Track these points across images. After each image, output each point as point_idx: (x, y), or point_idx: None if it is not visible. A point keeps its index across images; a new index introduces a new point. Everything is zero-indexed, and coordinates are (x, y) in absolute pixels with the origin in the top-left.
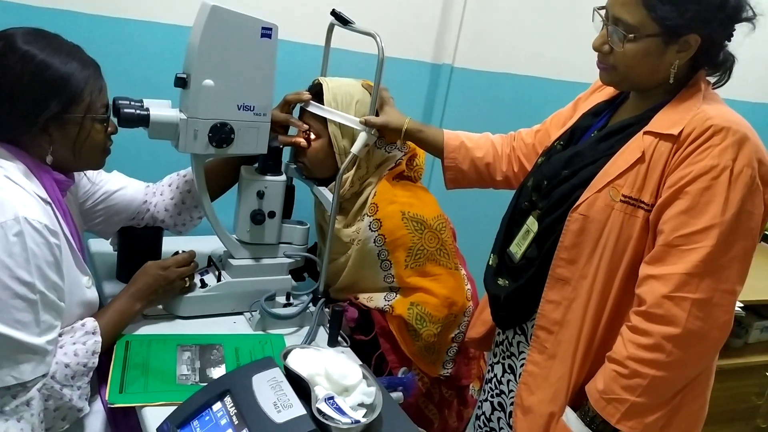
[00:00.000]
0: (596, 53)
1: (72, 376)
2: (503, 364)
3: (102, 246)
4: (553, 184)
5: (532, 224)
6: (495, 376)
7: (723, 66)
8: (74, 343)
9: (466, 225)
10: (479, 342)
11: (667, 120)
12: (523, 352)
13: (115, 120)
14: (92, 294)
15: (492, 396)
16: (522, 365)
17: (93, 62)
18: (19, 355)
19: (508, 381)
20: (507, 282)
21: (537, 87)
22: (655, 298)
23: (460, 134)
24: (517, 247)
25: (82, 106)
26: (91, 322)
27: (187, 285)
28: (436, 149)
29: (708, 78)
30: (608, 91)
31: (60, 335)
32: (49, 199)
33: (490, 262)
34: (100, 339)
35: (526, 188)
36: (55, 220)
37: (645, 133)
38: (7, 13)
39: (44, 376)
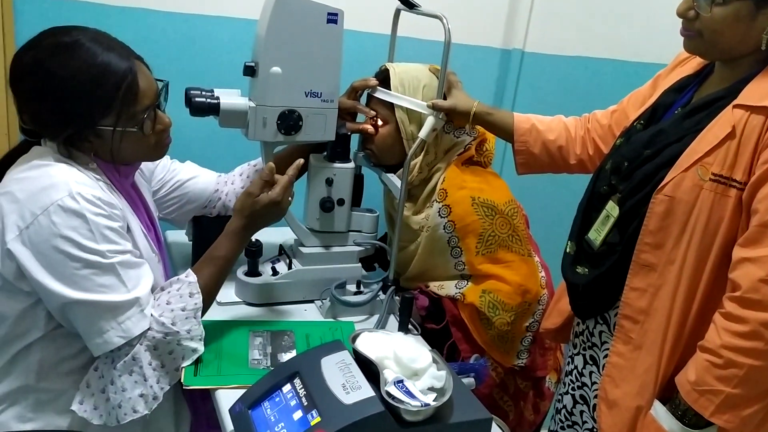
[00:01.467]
0: (679, 23)
1: (172, 322)
2: (584, 355)
3: (178, 237)
4: (634, 165)
5: (612, 209)
6: (576, 367)
7: None
8: (169, 292)
9: (540, 212)
10: (555, 333)
11: (758, 91)
12: (605, 342)
13: (187, 110)
14: (158, 272)
15: (573, 389)
16: (605, 356)
17: (127, 68)
18: (118, 315)
19: (591, 373)
20: (586, 270)
21: (613, 70)
22: (750, 283)
23: (531, 117)
24: (597, 234)
25: (110, 119)
26: (187, 273)
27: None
28: (505, 133)
29: None
30: (692, 66)
31: (162, 289)
32: (107, 180)
33: (568, 250)
34: (194, 279)
35: (604, 171)
36: (112, 197)
37: (735, 106)
38: (82, 13)
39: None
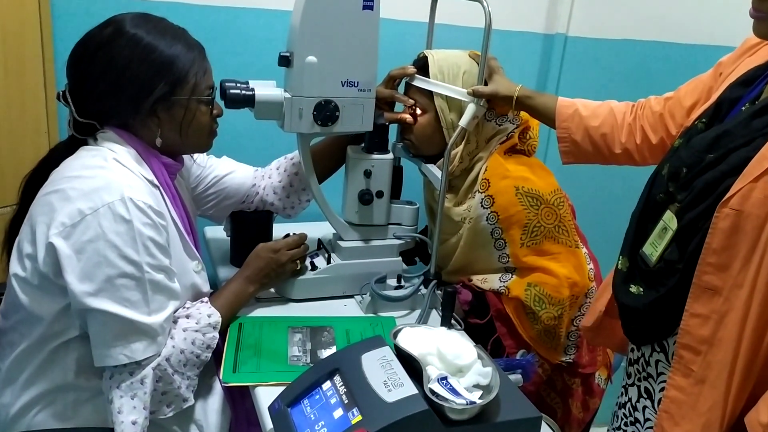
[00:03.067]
0: (746, 1)
1: (184, 363)
2: (639, 387)
3: (217, 233)
4: (694, 171)
5: (669, 220)
6: (629, 400)
7: None
8: (196, 331)
9: (586, 202)
10: (592, 334)
11: None
12: (662, 373)
13: (222, 103)
14: (200, 279)
15: (626, 424)
16: (662, 389)
17: (197, 44)
18: (130, 334)
19: (644, 408)
20: (641, 289)
21: (663, 53)
22: None
23: (577, 101)
24: (653, 248)
25: (188, 88)
26: (216, 317)
27: (299, 268)
28: (548, 118)
29: None
30: (762, 54)
31: (187, 317)
32: (157, 183)
33: (620, 266)
34: (217, 336)
35: (660, 177)
36: (162, 202)
37: None
38: (117, 7)
39: (157, 356)
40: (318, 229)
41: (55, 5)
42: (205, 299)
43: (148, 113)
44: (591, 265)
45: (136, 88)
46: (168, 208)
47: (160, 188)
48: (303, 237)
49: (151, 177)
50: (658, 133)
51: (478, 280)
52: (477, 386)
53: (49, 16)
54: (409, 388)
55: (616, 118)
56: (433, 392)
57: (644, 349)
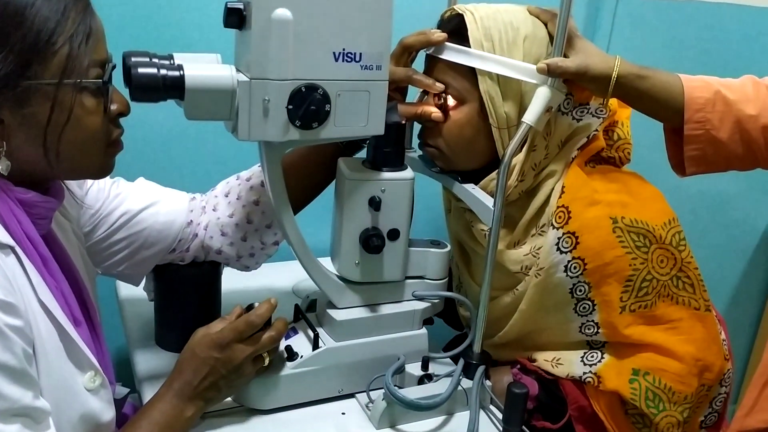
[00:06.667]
0: None
1: None
2: None
3: (135, 291)
4: None
5: None
6: None
7: None
8: None
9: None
10: None
11: None
12: None
13: (127, 90)
14: (98, 402)
15: None
16: None
17: None
18: None
19: None
20: None
21: (740, 18)
22: None
23: (711, 81)
24: None
25: (55, 65)
26: None
27: (266, 364)
28: (670, 107)
29: None
30: None
31: None
32: (8, 241)
33: None
34: None
35: None
36: (19, 276)
37: None
38: None
39: None
40: (291, 275)
41: None
42: None
43: None
44: (723, 335)
45: None
46: (32, 287)
47: (16, 249)
48: (269, 309)
49: None
50: None
51: (545, 360)
52: None
53: None
54: None
55: None
56: None
57: None
